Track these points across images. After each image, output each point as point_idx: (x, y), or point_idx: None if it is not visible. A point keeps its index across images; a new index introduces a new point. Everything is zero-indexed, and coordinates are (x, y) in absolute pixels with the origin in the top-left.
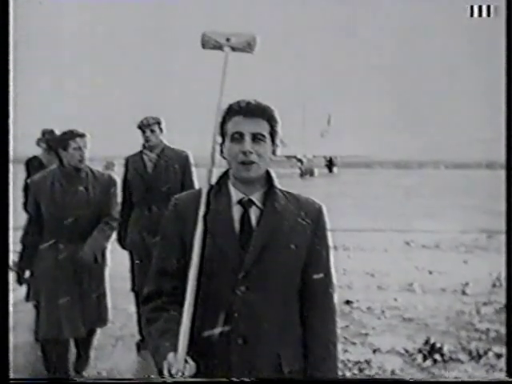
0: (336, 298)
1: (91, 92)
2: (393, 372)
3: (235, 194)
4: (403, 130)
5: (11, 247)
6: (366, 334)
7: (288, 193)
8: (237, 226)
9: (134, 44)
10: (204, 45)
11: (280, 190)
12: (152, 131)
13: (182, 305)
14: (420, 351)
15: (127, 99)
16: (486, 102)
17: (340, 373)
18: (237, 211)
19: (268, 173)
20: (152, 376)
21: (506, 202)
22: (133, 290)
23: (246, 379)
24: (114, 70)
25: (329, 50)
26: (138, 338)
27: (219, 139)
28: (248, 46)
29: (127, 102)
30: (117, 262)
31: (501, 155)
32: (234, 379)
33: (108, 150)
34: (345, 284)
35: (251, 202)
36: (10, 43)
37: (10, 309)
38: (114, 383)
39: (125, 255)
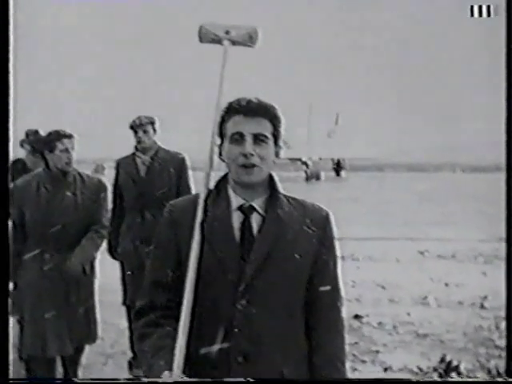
0: (344, 312)
1: (78, 90)
2: None
3: (235, 200)
4: (417, 130)
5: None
6: (377, 352)
7: (292, 198)
8: (237, 234)
9: (127, 39)
10: (202, 38)
11: (284, 195)
12: (145, 132)
13: (177, 320)
14: (435, 370)
15: (118, 97)
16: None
17: None
18: (237, 218)
19: (271, 177)
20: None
21: (506, 209)
22: (124, 303)
23: (246, 379)
24: (106, 68)
25: (337, 46)
26: (129, 355)
27: (218, 140)
28: (249, 40)
29: (118, 101)
30: (107, 274)
31: None
32: (233, 379)
33: (98, 151)
34: (354, 297)
35: (252, 209)
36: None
37: (10, 309)
38: (114, 383)
39: (116, 266)
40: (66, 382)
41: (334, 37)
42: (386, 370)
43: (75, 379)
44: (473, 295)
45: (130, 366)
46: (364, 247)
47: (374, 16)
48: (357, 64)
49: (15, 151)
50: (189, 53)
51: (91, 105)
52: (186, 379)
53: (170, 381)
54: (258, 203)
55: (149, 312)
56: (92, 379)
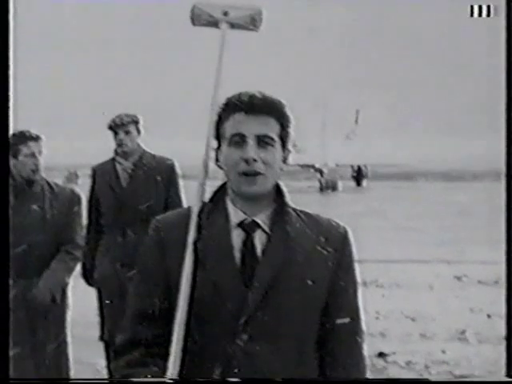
0: (366, 350)
1: (46, 85)
2: None
3: (235, 215)
4: (453, 131)
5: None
6: None
7: (303, 213)
8: (237, 255)
9: (108, 28)
10: (194, 20)
11: (293, 209)
12: (127, 133)
13: (165, 358)
14: None
15: (95, 92)
16: None
17: None
18: (237, 237)
19: (277, 187)
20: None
21: (506, 220)
22: (102, 338)
23: (247, 379)
24: (80, 58)
25: (356, 32)
26: None
27: (214, 143)
28: (251, 22)
29: (94, 96)
30: (81, 303)
31: None
32: (234, 379)
33: (70, 156)
34: (378, 331)
35: (255, 225)
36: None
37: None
38: (113, 383)
39: (92, 294)
40: (66, 381)
41: (352, 21)
42: None
43: (76, 379)
44: None
45: None
46: (390, 271)
47: (375, 14)
48: (380, 53)
49: None
50: (179, 37)
51: (62, 100)
52: (186, 379)
53: (169, 381)
54: (262, 218)
55: (131, 349)
56: (92, 379)
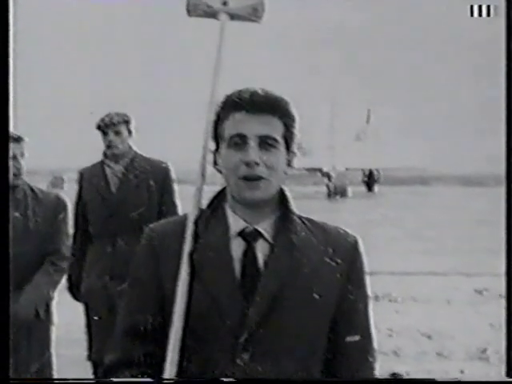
0: (378, 370)
1: (30, 82)
2: None
3: (235, 223)
4: (472, 132)
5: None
6: None
7: (310, 221)
8: (237, 267)
9: (106, 25)
10: (190, 11)
11: (298, 216)
12: (117, 133)
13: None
14: None
15: (82, 89)
16: None
17: None
18: (237, 247)
19: (281, 192)
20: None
21: (506, 229)
22: (90, 358)
23: (246, 379)
24: (66, 54)
25: (368, 25)
26: None
27: (212, 145)
28: (253, 13)
29: (82, 94)
30: (67, 319)
31: None
32: (233, 379)
33: (55, 159)
34: (390, 349)
35: (257, 234)
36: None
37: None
38: (114, 383)
39: (78, 309)
40: (66, 381)
41: (365, 10)
42: None
43: (75, 379)
44: None
45: None
46: (404, 284)
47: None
48: (398, 49)
49: None
50: (174, 29)
51: (47, 99)
52: (186, 379)
53: (166, 381)
54: (264, 227)
55: (122, 369)
56: (92, 379)
